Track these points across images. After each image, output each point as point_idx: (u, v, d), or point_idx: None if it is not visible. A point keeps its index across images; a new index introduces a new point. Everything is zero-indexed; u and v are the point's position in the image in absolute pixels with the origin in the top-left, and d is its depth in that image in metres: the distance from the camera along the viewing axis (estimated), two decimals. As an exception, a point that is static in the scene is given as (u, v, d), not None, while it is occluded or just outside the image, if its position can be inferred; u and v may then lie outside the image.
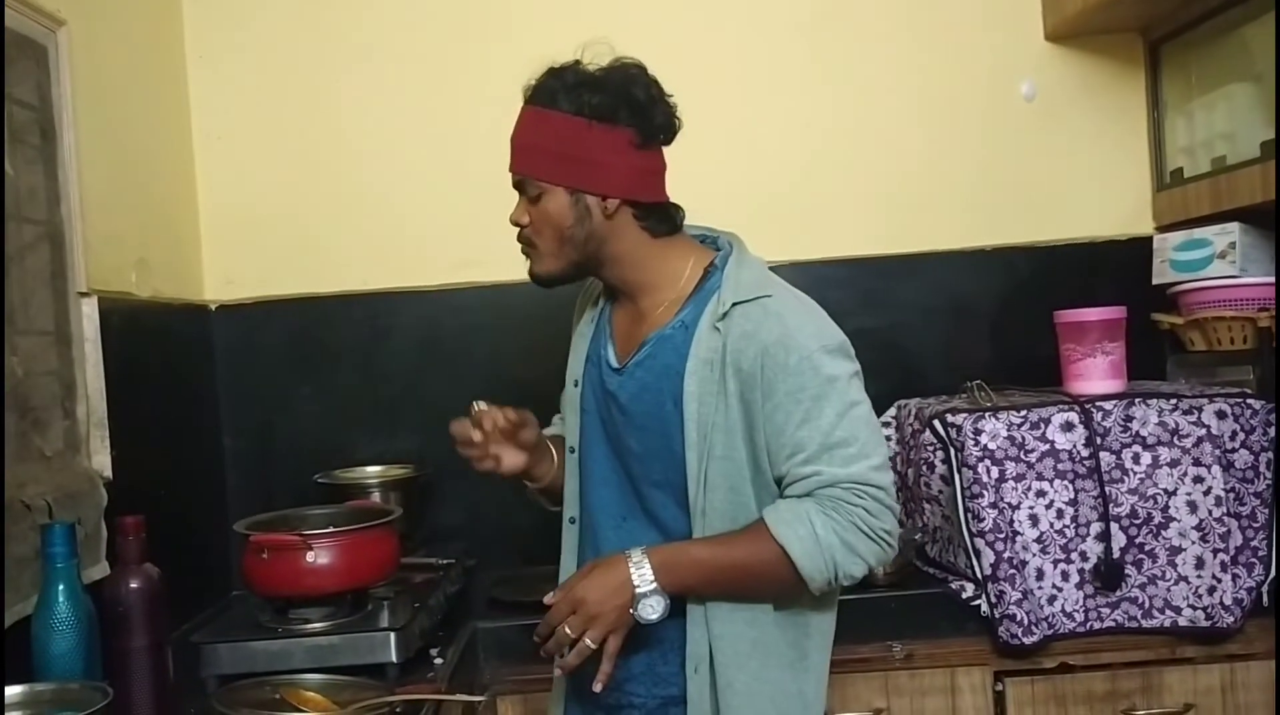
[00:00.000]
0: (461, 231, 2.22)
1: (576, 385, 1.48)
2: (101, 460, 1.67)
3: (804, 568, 1.26)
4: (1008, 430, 1.72)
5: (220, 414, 2.20)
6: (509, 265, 2.15)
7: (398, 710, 1.36)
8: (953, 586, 1.78)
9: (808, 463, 1.29)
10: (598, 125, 1.34)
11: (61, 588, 1.33)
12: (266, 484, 2.18)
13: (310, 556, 1.53)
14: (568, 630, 1.27)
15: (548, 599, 1.31)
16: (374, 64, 2.23)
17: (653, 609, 1.28)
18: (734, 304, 1.33)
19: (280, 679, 1.42)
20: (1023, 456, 1.72)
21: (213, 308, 2.21)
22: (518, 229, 1.43)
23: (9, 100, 1.50)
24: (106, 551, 1.60)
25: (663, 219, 1.40)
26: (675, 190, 1.42)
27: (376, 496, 2.05)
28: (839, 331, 1.34)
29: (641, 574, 1.27)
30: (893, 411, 2.03)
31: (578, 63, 1.37)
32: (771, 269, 1.41)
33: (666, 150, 1.40)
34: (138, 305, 1.87)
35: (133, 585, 1.41)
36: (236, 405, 2.21)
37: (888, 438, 2.08)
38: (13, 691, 1.22)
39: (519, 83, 1.39)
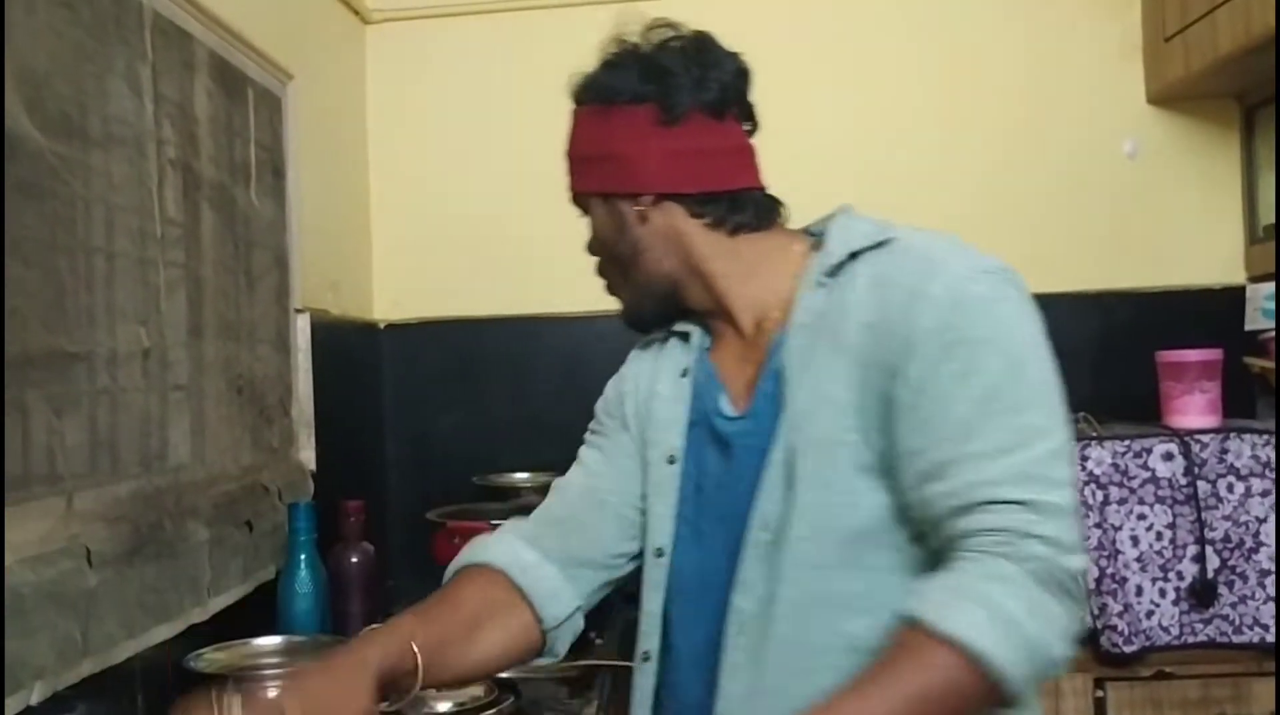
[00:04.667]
0: (603, 264, 2.45)
1: (673, 461, 1.11)
2: (308, 455, 1.91)
3: (1005, 667, 0.84)
4: (1112, 457, 1.90)
5: (384, 420, 2.45)
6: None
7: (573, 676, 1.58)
8: (1056, 599, 1.95)
9: (960, 494, 0.91)
10: (613, 109, 1.09)
11: (303, 557, 1.57)
12: (421, 484, 2.42)
13: (495, 544, 1.76)
14: None
15: None
16: (522, 115, 2.47)
17: None
18: (851, 254, 1.02)
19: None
20: (1125, 482, 1.90)
21: (381, 326, 2.46)
22: None
23: (255, 144, 1.76)
24: (313, 534, 1.84)
25: (736, 208, 1.09)
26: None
27: (522, 498, 2.27)
28: (1002, 262, 1.02)
29: None
30: (999, 439, 2.21)
31: (619, 42, 1.12)
32: None
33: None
34: (331, 321, 2.12)
35: (353, 559, 1.65)
36: (399, 413, 2.45)
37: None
38: (274, 641, 1.45)
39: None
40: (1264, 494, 1.89)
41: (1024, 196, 2.37)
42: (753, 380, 1.08)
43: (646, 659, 1.11)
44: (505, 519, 1.79)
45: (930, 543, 0.96)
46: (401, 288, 2.48)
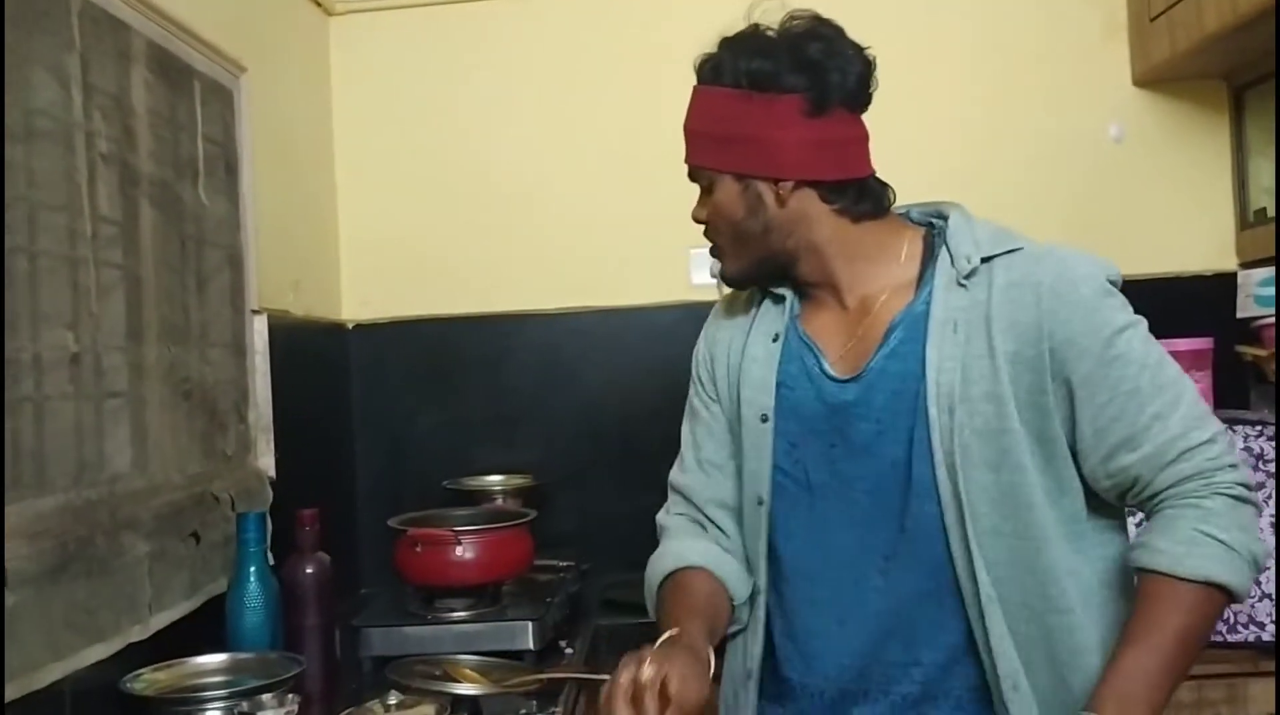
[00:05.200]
0: (578, 258, 2.38)
1: (766, 420, 1.23)
2: (267, 461, 1.84)
3: (1238, 585, 1.06)
4: (1100, 452, 1.83)
5: (354, 424, 2.38)
6: (622, 291, 2.36)
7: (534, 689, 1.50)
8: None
9: (1159, 454, 1.09)
10: (758, 96, 1.15)
11: (253, 570, 1.50)
12: (394, 489, 2.35)
13: (458, 550, 1.69)
14: None
15: None
16: (494, 108, 2.41)
17: None
18: (984, 259, 1.15)
19: (440, 657, 1.57)
20: (1114, 477, 1.83)
21: (350, 326, 2.39)
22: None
23: (203, 139, 1.69)
24: (271, 544, 1.77)
25: (861, 197, 1.20)
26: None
27: (499, 502, 2.21)
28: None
29: None
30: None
31: (751, 27, 1.18)
32: None
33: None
34: (292, 322, 2.05)
35: (308, 570, 1.59)
36: (369, 416, 2.39)
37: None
38: (218, 659, 1.39)
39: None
40: (1257, 487, 1.82)
41: (1006, 181, 2.31)
42: (860, 351, 1.19)
43: (756, 592, 1.26)
44: (468, 525, 1.74)
45: (1128, 500, 1.14)
46: (370, 287, 2.41)
